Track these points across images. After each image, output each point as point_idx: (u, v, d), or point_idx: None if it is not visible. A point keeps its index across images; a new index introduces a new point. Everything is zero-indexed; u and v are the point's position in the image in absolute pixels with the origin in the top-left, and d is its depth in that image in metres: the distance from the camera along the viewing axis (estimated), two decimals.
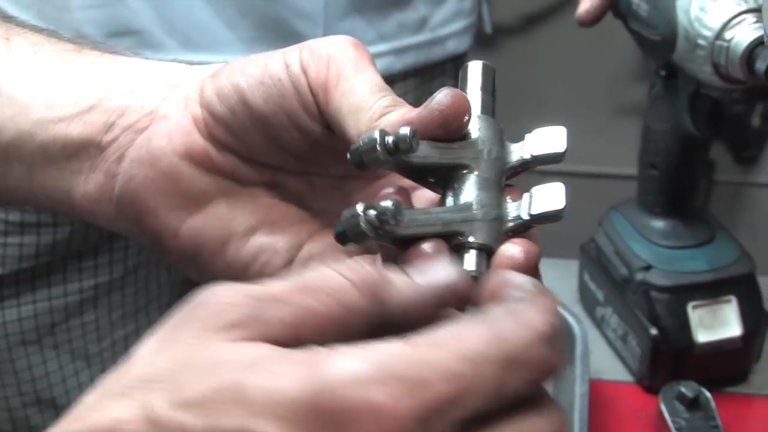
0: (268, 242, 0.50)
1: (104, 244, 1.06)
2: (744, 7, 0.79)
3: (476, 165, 0.46)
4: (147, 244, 0.52)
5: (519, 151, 0.47)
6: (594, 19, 0.92)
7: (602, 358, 0.97)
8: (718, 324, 0.92)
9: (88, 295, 1.07)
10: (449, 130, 0.45)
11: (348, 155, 0.44)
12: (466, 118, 0.46)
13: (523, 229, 0.46)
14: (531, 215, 0.45)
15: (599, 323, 1.01)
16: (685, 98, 0.88)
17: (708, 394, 0.87)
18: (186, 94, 0.51)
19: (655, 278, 0.92)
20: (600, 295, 1.00)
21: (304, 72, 0.48)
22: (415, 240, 0.44)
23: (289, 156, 0.51)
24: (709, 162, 1.85)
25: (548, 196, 0.45)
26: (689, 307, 0.91)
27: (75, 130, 0.51)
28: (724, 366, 0.94)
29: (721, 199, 1.94)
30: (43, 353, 1.07)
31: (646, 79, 0.96)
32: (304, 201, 0.53)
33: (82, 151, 0.52)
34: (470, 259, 0.44)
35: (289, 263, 0.50)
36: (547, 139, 0.47)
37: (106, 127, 0.51)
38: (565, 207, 0.45)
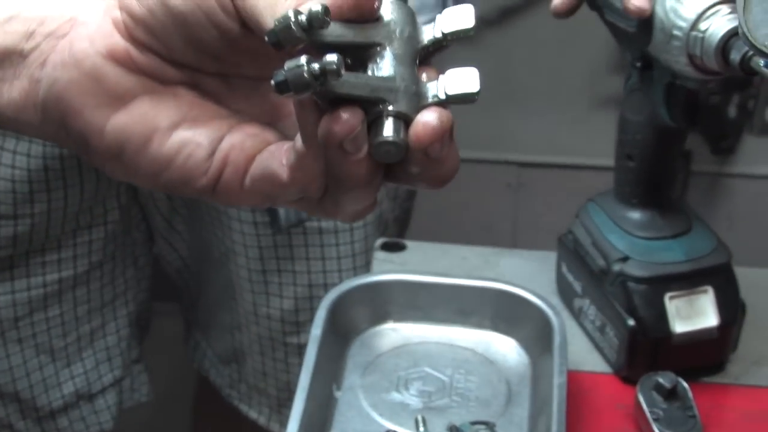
0: (190, 136, 0.52)
1: (68, 239, 1.05)
2: None
3: (390, 43, 0.49)
4: (74, 147, 0.53)
5: (431, 31, 0.50)
6: (568, 11, 0.91)
7: (580, 349, 0.98)
8: (695, 314, 0.92)
9: (52, 290, 1.07)
10: (362, 12, 0.48)
11: (266, 37, 0.46)
12: (377, 3, 0.48)
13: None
14: (447, 95, 0.48)
15: (577, 314, 1.01)
16: (660, 89, 0.88)
17: (685, 384, 0.87)
18: (106, 0, 0.52)
19: (632, 269, 0.93)
20: (578, 287, 1.00)
21: None
22: (342, 100, 0.46)
23: (207, 56, 0.52)
24: (686, 153, 1.86)
25: (464, 79, 0.48)
26: (666, 297, 0.91)
27: None
28: (701, 356, 0.94)
29: (698, 190, 1.95)
30: (7, 347, 1.06)
31: (622, 70, 0.96)
32: (221, 101, 0.54)
33: (4, 59, 0.53)
34: (389, 126, 0.47)
35: (211, 155, 0.52)
36: (457, 18, 0.50)
37: (27, 35, 0.52)
38: (479, 90, 0.48)
